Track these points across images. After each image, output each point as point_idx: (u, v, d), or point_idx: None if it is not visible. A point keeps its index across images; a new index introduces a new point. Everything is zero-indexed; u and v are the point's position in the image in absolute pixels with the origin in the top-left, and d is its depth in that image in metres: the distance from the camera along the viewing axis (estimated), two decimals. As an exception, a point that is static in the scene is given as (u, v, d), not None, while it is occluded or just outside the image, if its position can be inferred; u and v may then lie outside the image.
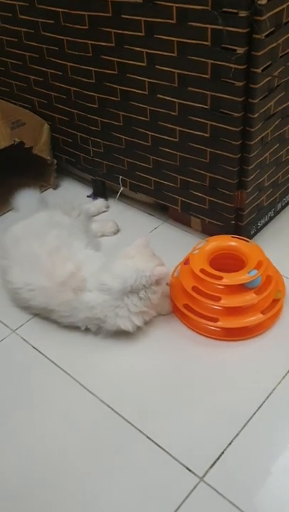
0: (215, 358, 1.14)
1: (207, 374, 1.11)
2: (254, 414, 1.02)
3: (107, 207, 1.61)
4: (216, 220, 1.36)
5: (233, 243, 1.23)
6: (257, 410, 1.02)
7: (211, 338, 1.18)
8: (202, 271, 1.15)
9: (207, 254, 1.20)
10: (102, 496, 0.93)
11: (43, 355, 1.18)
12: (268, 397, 1.04)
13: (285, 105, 1.26)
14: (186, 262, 1.23)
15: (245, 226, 1.35)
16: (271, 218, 1.49)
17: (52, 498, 0.93)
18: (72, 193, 1.71)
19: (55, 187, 1.74)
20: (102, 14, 1.25)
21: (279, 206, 1.51)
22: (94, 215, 1.57)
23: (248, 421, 1.01)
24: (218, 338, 1.17)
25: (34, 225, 1.32)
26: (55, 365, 1.16)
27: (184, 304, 1.20)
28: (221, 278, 1.14)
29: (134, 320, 1.13)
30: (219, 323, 1.15)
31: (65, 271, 1.16)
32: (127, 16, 1.20)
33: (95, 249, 1.32)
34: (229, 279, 1.13)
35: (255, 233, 1.43)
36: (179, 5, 1.09)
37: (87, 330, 1.20)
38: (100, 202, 1.60)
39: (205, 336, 1.18)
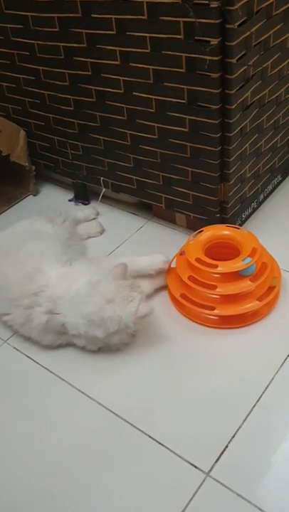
0: (213, 348, 1.14)
1: (206, 365, 1.11)
2: (256, 404, 1.01)
3: (97, 214, 1.57)
4: (201, 215, 1.36)
5: (227, 232, 1.23)
6: (258, 400, 1.02)
7: (209, 326, 1.18)
8: (197, 260, 1.16)
9: (202, 243, 1.21)
10: (108, 500, 0.91)
11: (37, 363, 1.16)
12: (268, 385, 1.04)
13: (261, 94, 1.26)
14: (182, 253, 1.23)
15: (230, 219, 1.35)
16: (254, 209, 1.49)
17: (58, 504, 0.92)
18: (53, 198, 1.69)
19: (36, 193, 1.72)
20: (71, 15, 1.24)
21: (261, 197, 1.51)
22: (81, 222, 1.52)
23: (250, 411, 1.00)
24: (216, 326, 1.17)
25: (10, 238, 1.28)
26: (50, 372, 1.14)
27: (180, 293, 1.20)
28: (216, 266, 1.14)
29: (117, 345, 1.13)
30: (216, 312, 1.15)
31: (29, 291, 1.12)
32: (98, 15, 1.19)
33: (79, 255, 1.30)
34: (224, 267, 1.14)
35: (240, 225, 1.43)
36: (149, 0, 1.08)
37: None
38: (89, 209, 1.55)
39: (202, 324, 1.18)
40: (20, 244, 1.23)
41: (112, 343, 1.11)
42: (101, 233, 1.50)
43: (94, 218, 1.55)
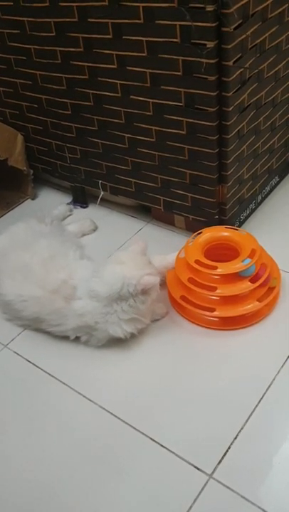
0: (213, 350, 1.14)
1: (207, 367, 1.11)
2: (257, 404, 1.01)
3: (71, 210, 1.62)
4: (200, 216, 1.36)
5: (226, 233, 1.24)
6: (260, 400, 1.02)
7: (209, 328, 1.18)
8: (197, 262, 1.16)
9: (201, 245, 1.21)
10: (111, 503, 0.91)
11: (38, 367, 1.16)
12: (269, 386, 1.04)
13: (258, 96, 1.27)
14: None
15: (228, 220, 1.35)
16: (253, 210, 1.50)
17: (60, 507, 0.92)
18: (52, 201, 1.69)
19: (34, 197, 1.72)
20: (68, 20, 1.24)
21: (259, 198, 1.52)
22: (62, 220, 1.57)
23: (252, 412, 1.00)
24: (216, 328, 1.18)
25: (18, 235, 1.30)
26: (51, 376, 1.14)
27: (180, 295, 1.21)
28: (215, 268, 1.14)
29: (124, 327, 1.12)
30: (216, 313, 1.16)
31: (57, 279, 1.14)
32: (94, 20, 1.19)
33: (80, 252, 1.32)
34: (224, 268, 1.14)
35: (239, 226, 1.43)
36: (145, 4, 1.09)
37: (78, 339, 1.18)
38: (62, 206, 1.60)
39: (203, 326, 1.19)
40: (33, 240, 1.26)
41: (113, 323, 1.11)
42: (94, 230, 1.53)
43: (70, 214, 1.61)
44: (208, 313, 1.16)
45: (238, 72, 1.13)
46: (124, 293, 1.08)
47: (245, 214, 1.45)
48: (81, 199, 1.64)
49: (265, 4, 1.14)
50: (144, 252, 1.16)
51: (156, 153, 1.32)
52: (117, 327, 1.12)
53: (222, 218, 1.34)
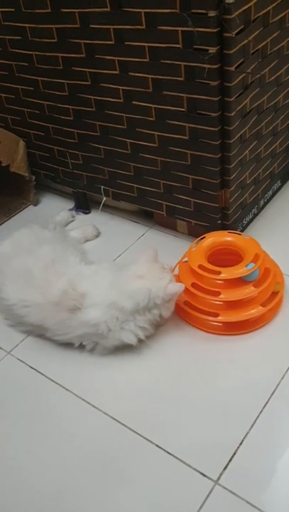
0: (217, 355, 1.14)
1: (211, 373, 1.10)
2: (262, 409, 1.01)
3: (73, 216, 1.62)
4: (202, 221, 1.36)
5: (229, 238, 1.23)
6: (264, 405, 1.02)
7: (213, 333, 1.18)
8: (200, 267, 1.16)
9: (205, 250, 1.21)
10: (116, 511, 0.90)
11: (42, 374, 1.16)
12: (274, 391, 1.04)
13: (260, 101, 1.27)
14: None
15: (231, 225, 1.35)
16: (255, 215, 1.50)
17: (66, 518, 0.91)
18: (54, 207, 1.69)
19: (36, 203, 1.72)
20: (70, 26, 1.24)
21: (262, 203, 1.52)
22: (64, 226, 1.57)
23: (257, 417, 1.00)
24: (220, 333, 1.17)
25: (22, 240, 1.30)
26: (55, 382, 1.13)
27: (184, 301, 1.21)
28: (219, 273, 1.14)
29: (139, 334, 1.12)
30: (220, 318, 1.15)
31: (58, 290, 1.13)
32: (96, 26, 1.20)
33: (83, 259, 1.31)
34: (227, 273, 1.14)
35: (242, 231, 1.43)
36: (147, 10, 1.09)
37: (82, 346, 1.17)
38: (64, 212, 1.61)
39: (207, 331, 1.18)
40: (37, 245, 1.26)
41: (128, 330, 1.11)
42: (97, 236, 1.53)
43: (72, 220, 1.61)
44: (211, 318, 1.16)
45: (240, 78, 1.13)
46: (150, 306, 1.10)
47: (247, 219, 1.45)
48: (83, 205, 1.64)
49: (266, 10, 1.15)
50: (156, 259, 1.17)
51: (159, 158, 1.32)
52: (131, 334, 1.12)
53: (225, 223, 1.34)
